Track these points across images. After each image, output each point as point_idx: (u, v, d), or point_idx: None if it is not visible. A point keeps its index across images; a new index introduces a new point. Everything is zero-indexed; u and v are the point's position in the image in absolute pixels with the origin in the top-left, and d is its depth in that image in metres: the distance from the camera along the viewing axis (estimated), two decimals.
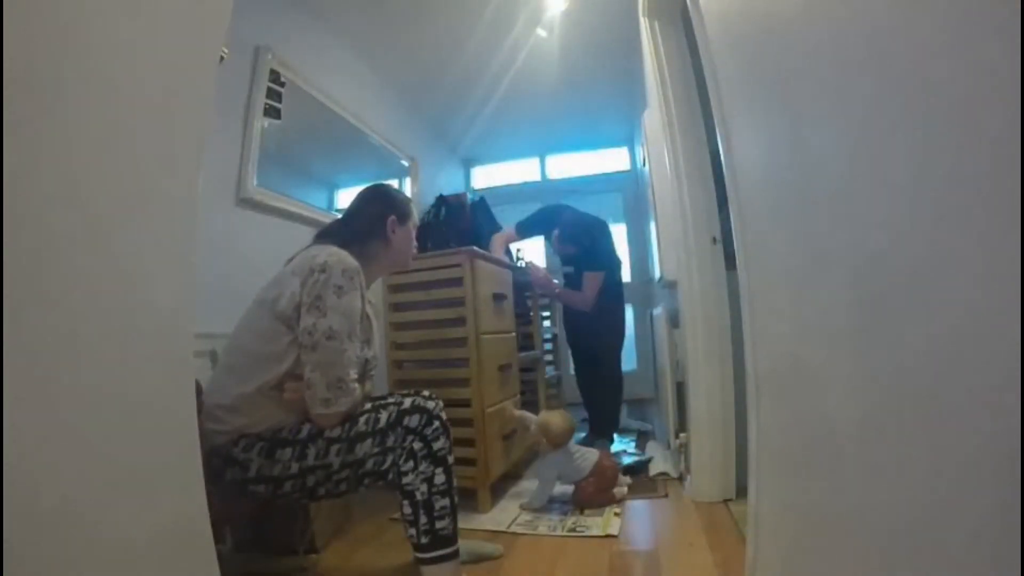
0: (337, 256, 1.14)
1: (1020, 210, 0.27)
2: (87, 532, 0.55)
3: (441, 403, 1.24)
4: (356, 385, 1.13)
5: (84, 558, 0.54)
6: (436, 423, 1.19)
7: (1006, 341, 0.29)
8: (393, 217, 1.33)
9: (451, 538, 1.17)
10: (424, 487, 1.15)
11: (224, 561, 0.75)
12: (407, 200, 1.41)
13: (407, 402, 1.19)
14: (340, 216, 1.37)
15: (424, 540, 1.14)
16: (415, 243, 1.42)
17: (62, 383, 0.53)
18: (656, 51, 1.95)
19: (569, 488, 1.89)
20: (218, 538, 0.76)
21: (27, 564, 0.48)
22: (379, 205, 1.34)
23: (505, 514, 1.79)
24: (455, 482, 1.21)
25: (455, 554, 1.17)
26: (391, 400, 1.20)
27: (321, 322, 1.08)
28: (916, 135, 0.38)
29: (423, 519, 1.14)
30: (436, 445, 1.18)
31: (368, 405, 1.18)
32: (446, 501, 1.17)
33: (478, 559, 1.42)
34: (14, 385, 0.47)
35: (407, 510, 1.15)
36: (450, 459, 1.20)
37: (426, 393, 1.27)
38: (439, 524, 1.15)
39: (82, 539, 0.54)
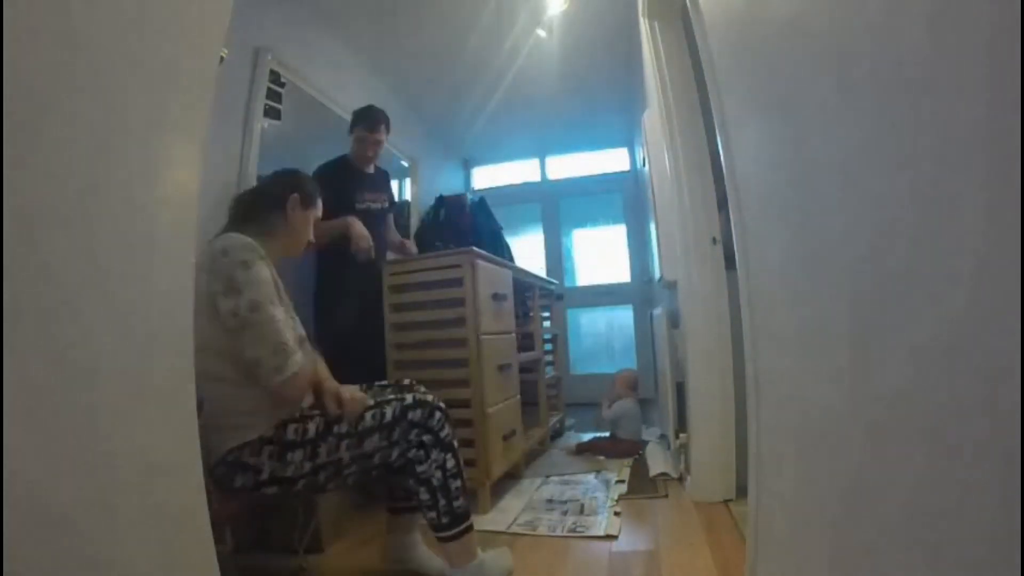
0: (232, 238, 1.13)
1: (1020, 210, 0.27)
2: (86, 532, 0.55)
3: (437, 397, 1.32)
4: (296, 348, 1.12)
5: (84, 558, 0.54)
6: (438, 413, 1.27)
7: (1006, 340, 0.29)
8: (296, 196, 1.31)
9: (467, 513, 1.27)
10: (439, 473, 1.24)
11: (224, 561, 0.75)
12: (316, 189, 1.40)
13: (409, 398, 1.25)
14: (247, 192, 1.39)
15: (445, 520, 1.23)
16: (311, 233, 1.38)
17: (62, 383, 0.53)
18: (656, 52, 1.95)
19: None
20: (218, 538, 0.76)
21: (26, 564, 0.48)
22: (286, 183, 1.34)
23: (505, 515, 1.79)
24: (462, 463, 1.31)
25: (472, 526, 1.27)
26: (392, 397, 1.26)
27: (241, 300, 1.07)
28: (915, 136, 0.38)
29: (442, 501, 1.23)
30: (442, 434, 1.26)
31: (371, 402, 1.23)
32: (458, 482, 1.27)
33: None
34: (13, 386, 0.47)
35: (424, 496, 1.23)
36: (455, 443, 1.29)
37: (422, 388, 1.40)
38: (456, 504, 1.25)
39: (81, 539, 0.54)
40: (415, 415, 1.23)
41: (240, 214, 1.28)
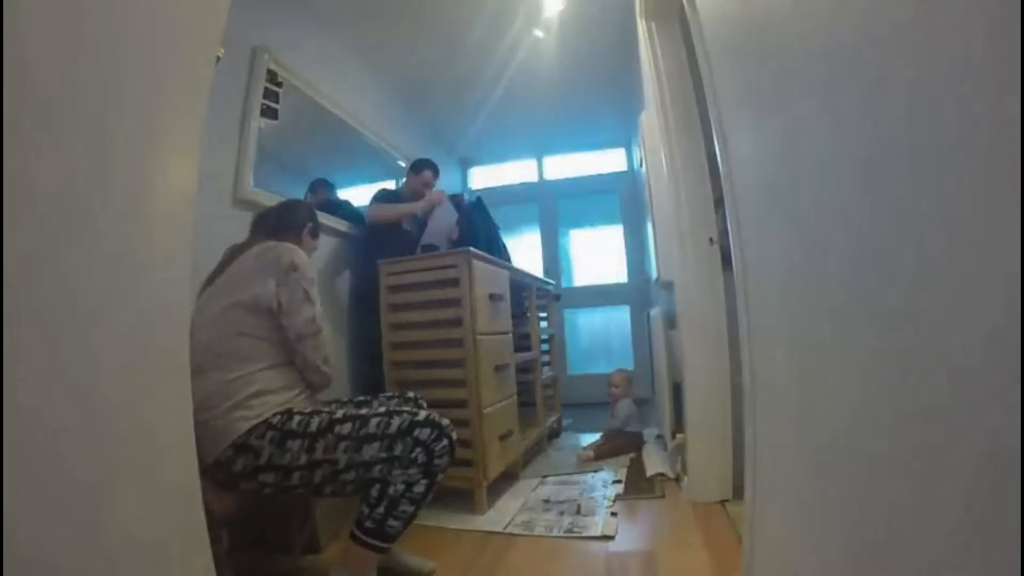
0: (298, 253, 1.29)
1: (1020, 210, 0.27)
2: (83, 533, 0.55)
3: (452, 425, 1.26)
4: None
5: (80, 558, 0.54)
6: (445, 441, 1.20)
7: (1006, 341, 0.29)
8: (311, 226, 1.56)
9: (392, 538, 1.18)
10: (401, 487, 1.16)
11: (221, 561, 0.75)
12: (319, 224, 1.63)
13: (422, 414, 1.21)
14: (275, 209, 1.55)
15: (369, 524, 1.16)
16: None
17: (59, 383, 0.53)
18: (653, 52, 1.95)
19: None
20: (215, 538, 0.76)
21: (22, 563, 0.48)
22: (305, 214, 1.56)
23: (502, 515, 1.79)
24: (429, 499, 1.21)
25: (383, 551, 1.19)
26: (405, 408, 1.24)
27: (316, 311, 1.28)
28: (911, 136, 0.38)
29: (380, 510, 1.16)
30: (437, 461, 1.19)
31: (382, 409, 1.23)
32: (411, 509, 1.18)
33: (404, 573, 1.37)
34: (11, 386, 0.47)
35: (374, 492, 1.16)
36: (439, 477, 1.21)
37: (424, 404, 1.51)
38: (391, 522, 1.16)
39: (77, 539, 0.54)
40: (422, 433, 1.18)
41: (274, 227, 1.45)
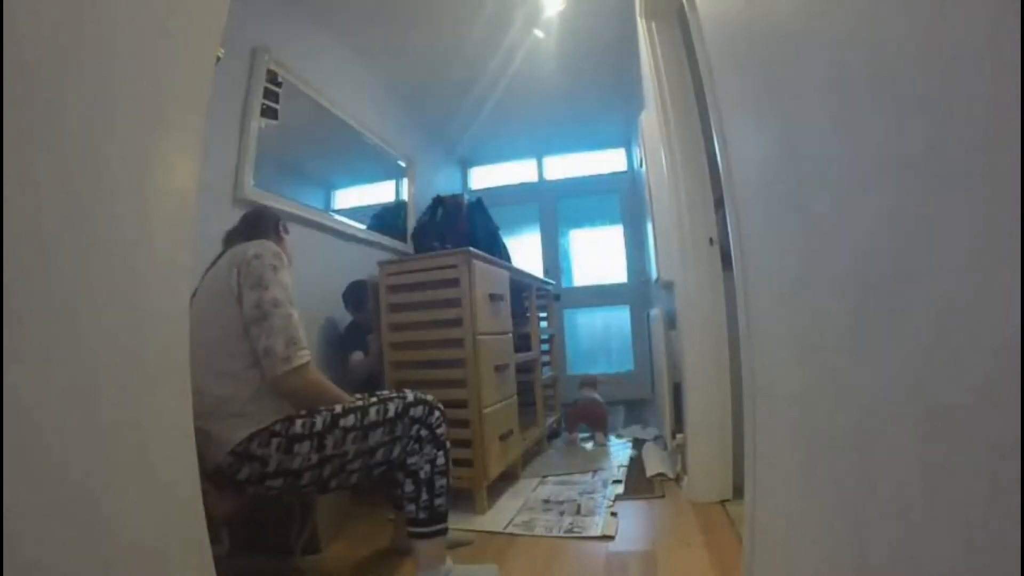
0: (264, 245, 1.24)
1: (1020, 212, 0.27)
2: (83, 533, 0.55)
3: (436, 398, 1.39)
4: (307, 349, 1.18)
5: (78, 559, 0.54)
6: (437, 412, 1.33)
7: (1005, 343, 0.29)
8: (282, 224, 1.50)
9: (445, 515, 1.29)
10: (428, 467, 1.28)
11: (221, 562, 0.75)
12: None
13: (410, 395, 1.32)
14: (244, 220, 1.47)
15: (423, 515, 1.26)
16: None
17: (59, 383, 0.53)
18: (653, 52, 1.95)
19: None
20: (215, 539, 0.76)
21: (22, 564, 0.48)
22: (273, 216, 1.50)
23: (502, 515, 1.79)
24: (451, 464, 1.35)
25: (446, 530, 1.30)
26: (395, 395, 1.32)
27: (266, 294, 1.16)
28: (912, 137, 0.38)
29: (424, 496, 1.26)
30: (439, 431, 1.32)
31: (375, 399, 1.28)
32: (444, 481, 1.30)
33: (454, 545, 1.49)
34: (11, 386, 0.47)
35: (408, 488, 1.27)
36: (448, 444, 1.34)
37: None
38: (437, 501, 1.27)
39: (76, 540, 0.54)
40: (416, 411, 1.28)
41: (249, 235, 1.36)
